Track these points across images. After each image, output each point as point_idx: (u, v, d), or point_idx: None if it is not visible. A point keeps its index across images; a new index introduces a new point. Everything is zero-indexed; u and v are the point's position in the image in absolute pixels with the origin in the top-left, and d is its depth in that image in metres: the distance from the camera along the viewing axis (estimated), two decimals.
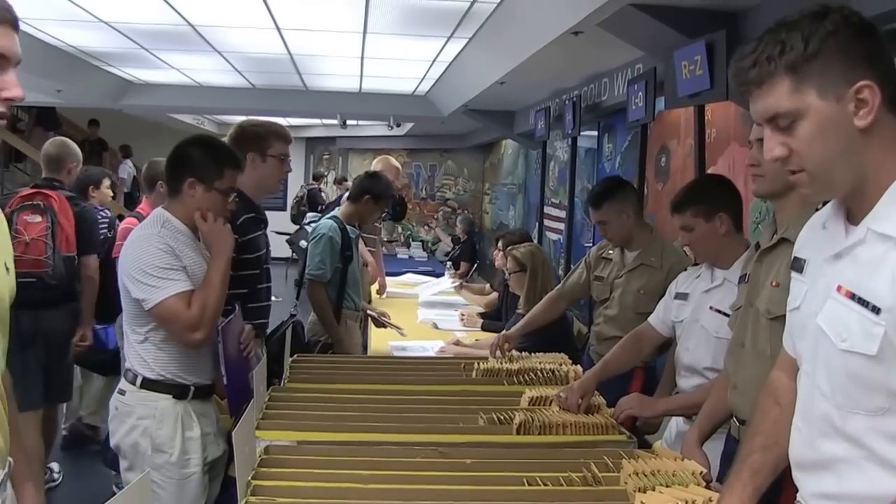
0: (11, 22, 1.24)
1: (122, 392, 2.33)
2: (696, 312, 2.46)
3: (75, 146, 4.08)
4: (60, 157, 3.93)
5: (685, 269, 2.69)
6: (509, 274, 4.01)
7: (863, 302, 1.14)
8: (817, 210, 1.36)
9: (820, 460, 1.24)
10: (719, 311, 2.36)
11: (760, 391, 1.54)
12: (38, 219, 3.56)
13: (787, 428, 1.35)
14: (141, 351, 2.29)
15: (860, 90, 1.13)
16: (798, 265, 1.35)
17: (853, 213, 1.22)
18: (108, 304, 3.55)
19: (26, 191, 3.74)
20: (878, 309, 1.11)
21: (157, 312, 2.22)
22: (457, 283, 5.79)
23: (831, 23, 1.14)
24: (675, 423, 2.60)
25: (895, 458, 1.12)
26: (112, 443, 2.35)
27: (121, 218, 4.55)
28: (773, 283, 1.88)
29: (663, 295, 2.73)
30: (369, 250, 5.18)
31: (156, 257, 2.21)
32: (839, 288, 1.19)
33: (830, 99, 1.14)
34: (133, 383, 2.30)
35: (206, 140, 2.48)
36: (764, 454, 1.44)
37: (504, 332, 3.36)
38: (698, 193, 2.46)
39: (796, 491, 1.34)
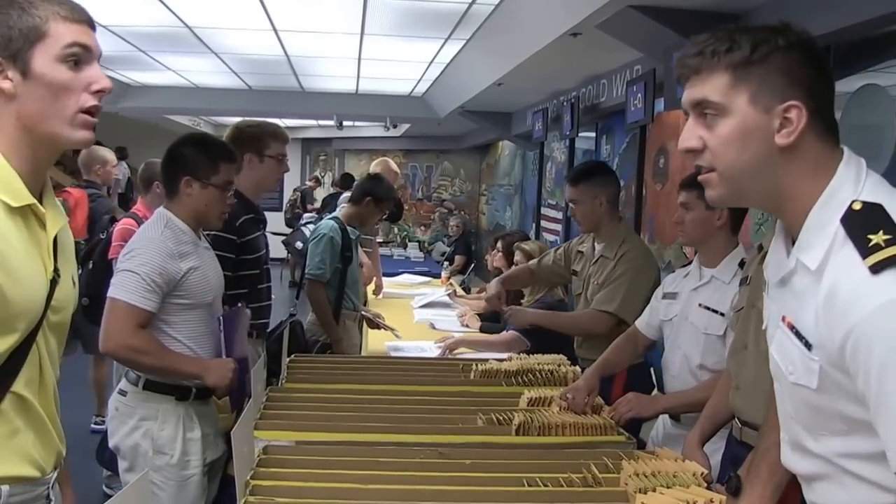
0: (89, 22, 1.34)
1: (122, 392, 2.32)
2: (685, 310, 2.47)
3: (101, 150, 4.97)
4: (85, 161, 4.90)
5: (640, 258, 2.91)
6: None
7: (799, 336, 1.14)
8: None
9: (804, 474, 1.25)
10: (708, 308, 2.37)
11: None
12: None
13: None
14: None
15: (788, 109, 1.13)
16: (765, 287, 1.33)
17: (790, 237, 1.21)
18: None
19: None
20: (811, 345, 1.11)
21: (109, 302, 2.20)
22: (450, 291, 5.77)
23: (784, 39, 1.14)
24: (663, 424, 2.59)
25: (868, 475, 1.11)
26: (111, 443, 2.34)
27: (115, 220, 4.54)
28: None
29: (607, 282, 2.95)
30: (365, 251, 5.16)
31: (149, 266, 2.19)
32: (784, 318, 1.18)
33: (759, 108, 1.14)
34: (135, 384, 2.29)
35: (199, 138, 2.49)
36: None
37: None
38: None
39: (794, 494, 1.34)
